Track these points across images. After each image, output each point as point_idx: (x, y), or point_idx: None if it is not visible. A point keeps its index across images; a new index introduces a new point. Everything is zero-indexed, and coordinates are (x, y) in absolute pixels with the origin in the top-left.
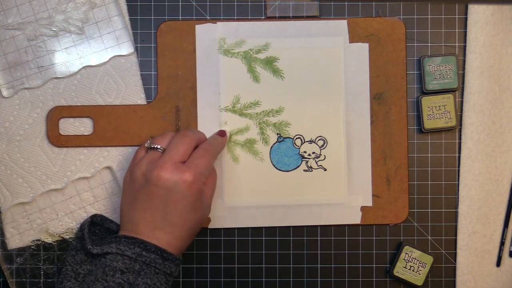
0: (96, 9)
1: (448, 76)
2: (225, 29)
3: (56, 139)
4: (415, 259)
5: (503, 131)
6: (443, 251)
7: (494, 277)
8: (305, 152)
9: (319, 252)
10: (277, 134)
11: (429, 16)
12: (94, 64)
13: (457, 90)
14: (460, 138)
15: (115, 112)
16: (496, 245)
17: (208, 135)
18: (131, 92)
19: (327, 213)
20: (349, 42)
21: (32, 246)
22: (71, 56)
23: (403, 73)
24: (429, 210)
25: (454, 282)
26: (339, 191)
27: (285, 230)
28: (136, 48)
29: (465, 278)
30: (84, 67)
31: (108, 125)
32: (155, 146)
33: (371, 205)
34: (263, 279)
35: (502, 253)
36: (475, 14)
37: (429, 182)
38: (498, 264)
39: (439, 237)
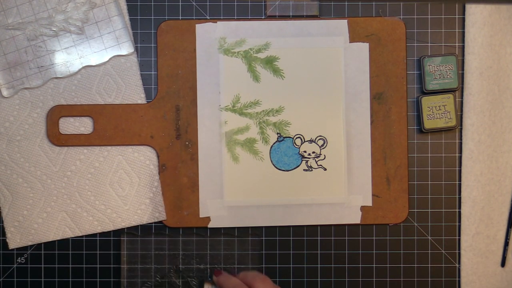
0: (96, 9)
1: (448, 76)
2: (225, 28)
3: (56, 138)
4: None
5: (503, 131)
6: (443, 251)
7: (499, 278)
8: (305, 151)
9: (319, 252)
10: (277, 133)
11: (429, 16)
12: (94, 64)
13: (457, 90)
14: (460, 138)
15: (115, 112)
16: (500, 245)
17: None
18: (131, 92)
19: (327, 212)
20: (349, 42)
21: (33, 245)
22: (71, 56)
23: (403, 73)
24: (429, 210)
25: (454, 282)
26: (339, 191)
27: (285, 230)
28: (136, 48)
29: (469, 279)
30: (84, 67)
31: (108, 124)
32: None
33: (371, 205)
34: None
35: (506, 253)
36: (473, 15)
37: (429, 182)
38: (503, 264)
39: (439, 237)
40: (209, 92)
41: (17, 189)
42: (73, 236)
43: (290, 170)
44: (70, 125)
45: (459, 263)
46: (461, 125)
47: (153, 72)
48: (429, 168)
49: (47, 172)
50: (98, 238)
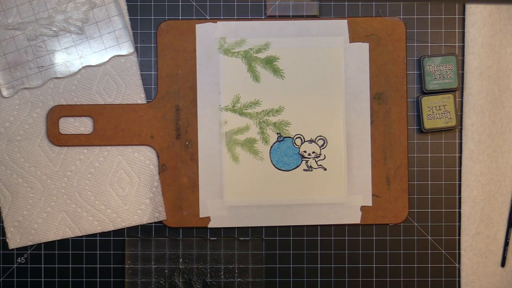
0: (96, 9)
1: (448, 76)
2: (225, 28)
3: (56, 138)
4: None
5: (503, 131)
6: (443, 251)
7: (499, 278)
8: (305, 151)
9: (319, 252)
10: (277, 133)
11: (429, 16)
12: (94, 64)
13: (457, 90)
14: (460, 138)
15: (115, 111)
16: (500, 245)
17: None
18: (131, 92)
19: (327, 212)
20: (349, 42)
21: (33, 245)
22: (71, 56)
23: (403, 73)
24: (429, 210)
25: (454, 282)
26: (339, 191)
27: (285, 230)
28: (136, 48)
29: (469, 279)
30: (84, 67)
31: (108, 124)
32: None
33: (371, 205)
34: (263, 279)
35: (506, 253)
36: (473, 15)
37: (429, 182)
38: (503, 264)
39: (439, 237)
40: (209, 92)
41: (17, 189)
42: (73, 236)
43: (290, 170)
44: (70, 125)
45: (459, 263)
46: (461, 125)
47: (153, 72)
48: (429, 168)
49: (47, 172)
50: (98, 238)
